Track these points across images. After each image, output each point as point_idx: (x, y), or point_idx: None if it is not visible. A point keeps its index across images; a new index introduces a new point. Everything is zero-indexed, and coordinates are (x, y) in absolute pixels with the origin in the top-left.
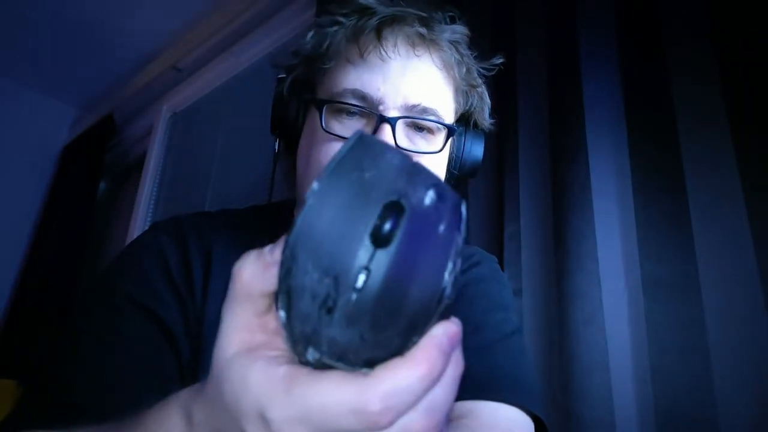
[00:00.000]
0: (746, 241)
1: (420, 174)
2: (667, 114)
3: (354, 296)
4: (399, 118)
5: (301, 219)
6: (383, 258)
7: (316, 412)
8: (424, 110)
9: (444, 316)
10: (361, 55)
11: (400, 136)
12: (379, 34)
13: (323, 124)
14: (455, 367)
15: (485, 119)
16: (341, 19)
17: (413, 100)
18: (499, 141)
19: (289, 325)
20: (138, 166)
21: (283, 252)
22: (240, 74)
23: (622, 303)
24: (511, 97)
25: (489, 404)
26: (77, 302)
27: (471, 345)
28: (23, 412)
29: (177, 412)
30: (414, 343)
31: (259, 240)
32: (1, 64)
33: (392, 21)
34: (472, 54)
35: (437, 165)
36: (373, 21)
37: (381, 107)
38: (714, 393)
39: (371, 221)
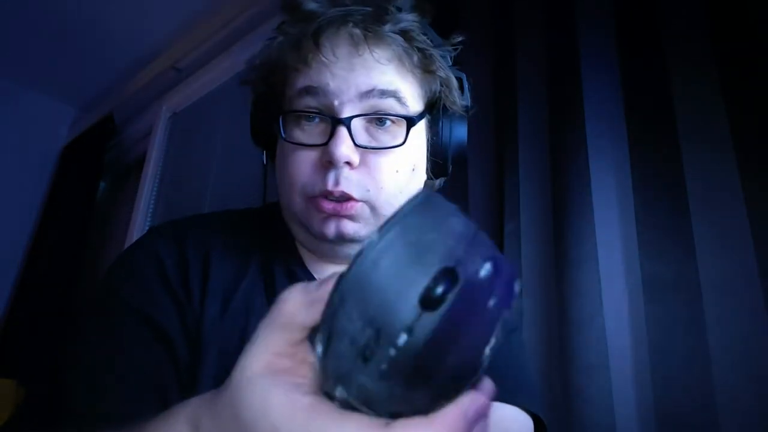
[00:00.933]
0: (746, 242)
1: (480, 245)
2: (667, 113)
3: (392, 352)
4: (353, 117)
5: (356, 267)
6: (428, 321)
7: None
8: (383, 92)
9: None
10: (305, 62)
11: (359, 135)
12: (316, 40)
13: (283, 135)
14: (480, 407)
15: (456, 103)
16: (287, 29)
17: (366, 87)
18: (499, 140)
19: (323, 360)
20: (138, 166)
21: (332, 293)
22: (240, 74)
23: (622, 303)
24: (511, 96)
25: None
26: (79, 308)
27: None
28: (22, 416)
29: (184, 422)
30: (442, 406)
31: (259, 241)
32: (1, 64)
33: (329, 25)
34: (428, 38)
35: (406, 158)
36: (311, 28)
37: (336, 102)
38: (714, 393)
39: (423, 283)
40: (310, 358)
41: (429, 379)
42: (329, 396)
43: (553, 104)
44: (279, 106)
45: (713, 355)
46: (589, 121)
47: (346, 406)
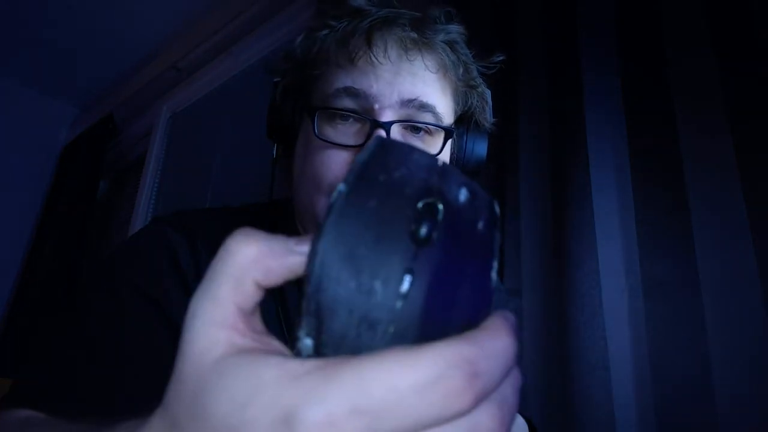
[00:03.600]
0: (746, 242)
1: (450, 172)
2: (667, 113)
3: (399, 304)
4: (393, 122)
5: (330, 223)
6: (427, 256)
7: (380, 393)
8: (422, 105)
9: None
10: (352, 60)
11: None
12: (369, 38)
13: (316, 131)
14: (518, 371)
15: (486, 119)
16: (332, 22)
17: (409, 95)
18: (499, 140)
19: (316, 355)
20: (138, 166)
21: (309, 263)
22: (240, 74)
23: (622, 303)
24: (511, 95)
25: None
26: (77, 290)
27: None
28: (16, 391)
29: None
30: None
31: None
32: (1, 64)
33: (383, 24)
34: (471, 52)
35: None
36: (364, 25)
37: (376, 106)
38: (714, 393)
39: (408, 220)
40: (275, 344)
41: (445, 325)
42: None
43: (554, 103)
44: (309, 101)
45: (713, 355)
46: (590, 122)
47: None
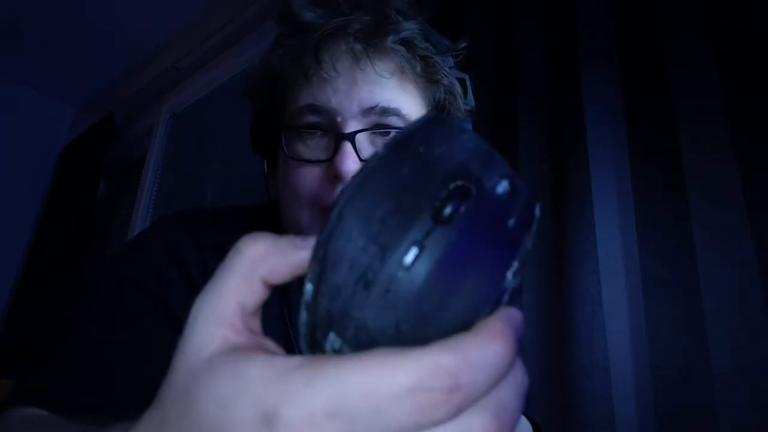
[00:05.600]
0: (746, 241)
1: (496, 161)
2: (667, 114)
3: (400, 272)
4: (357, 132)
5: (357, 180)
6: (441, 236)
7: (355, 399)
8: (384, 110)
9: None
10: (306, 77)
11: (365, 148)
12: (317, 54)
13: (286, 150)
14: (523, 373)
15: (460, 108)
16: (285, 40)
17: (369, 103)
18: (499, 140)
19: (313, 303)
20: (138, 166)
21: (330, 213)
22: (240, 74)
23: (622, 303)
24: (511, 96)
25: None
26: (79, 289)
27: None
28: (19, 389)
29: None
30: None
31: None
32: (1, 64)
33: (329, 38)
34: (430, 44)
35: None
36: (310, 42)
37: (338, 119)
38: (714, 393)
39: (435, 197)
40: (269, 344)
41: (443, 309)
42: (318, 348)
43: (554, 104)
44: (280, 120)
45: (713, 355)
46: (590, 121)
47: None
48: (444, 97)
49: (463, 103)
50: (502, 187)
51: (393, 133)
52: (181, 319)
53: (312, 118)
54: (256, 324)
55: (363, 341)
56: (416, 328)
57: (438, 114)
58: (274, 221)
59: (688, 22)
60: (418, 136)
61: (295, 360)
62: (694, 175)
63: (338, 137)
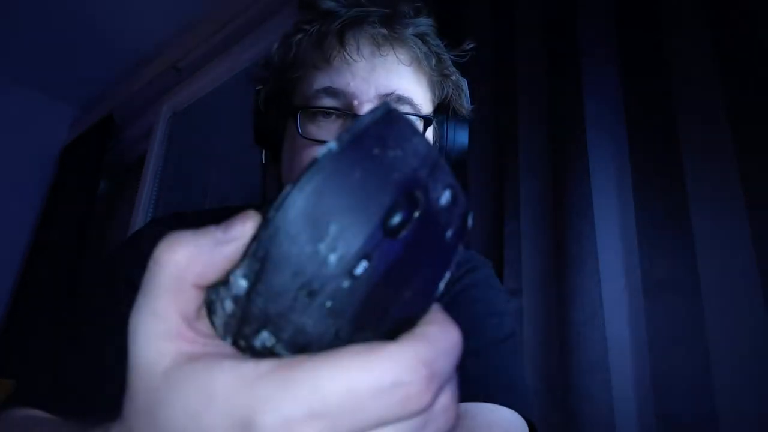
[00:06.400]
0: (746, 241)
1: (442, 170)
2: (667, 114)
3: (346, 283)
4: None
5: (309, 177)
6: (389, 249)
7: (336, 398)
8: (399, 98)
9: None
10: (327, 61)
11: None
12: (341, 38)
13: (300, 130)
14: (454, 331)
15: (464, 106)
16: (305, 26)
17: (386, 89)
18: (500, 140)
19: (246, 299)
20: (138, 166)
21: (273, 206)
22: (240, 74)
23: (622, 303)
24: (511, 95)
25: (485, 405)
26: (77, 290)
27: (466, 348)
28: (18, 390)
29: None
30: None
31: None
32: (1, 64)
33: (353, 23)
34: (442, 43)
35: None
36: (335, 25)
37: (355, 102)
38: (714, 393)
39: (385, 206)
40: (224, 345)
41: (381, 316)
42: (240, 347)
43: (554, 105)
44: (292, 104)
45: (713, 355)
46: (590, 121)
47: (271, 354)
48: (451, 92)
49: (467, 102)
50: (445, 198)
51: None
52: None
53: (328, 101)
54: (204, 325)
55: (299, 343)
56: (354, 335)
57: (393, 110)
58: None
59: (688, 22)
60: (373, 134)
61: (264, 365)
62: (694, 175)
63: (354, 118)
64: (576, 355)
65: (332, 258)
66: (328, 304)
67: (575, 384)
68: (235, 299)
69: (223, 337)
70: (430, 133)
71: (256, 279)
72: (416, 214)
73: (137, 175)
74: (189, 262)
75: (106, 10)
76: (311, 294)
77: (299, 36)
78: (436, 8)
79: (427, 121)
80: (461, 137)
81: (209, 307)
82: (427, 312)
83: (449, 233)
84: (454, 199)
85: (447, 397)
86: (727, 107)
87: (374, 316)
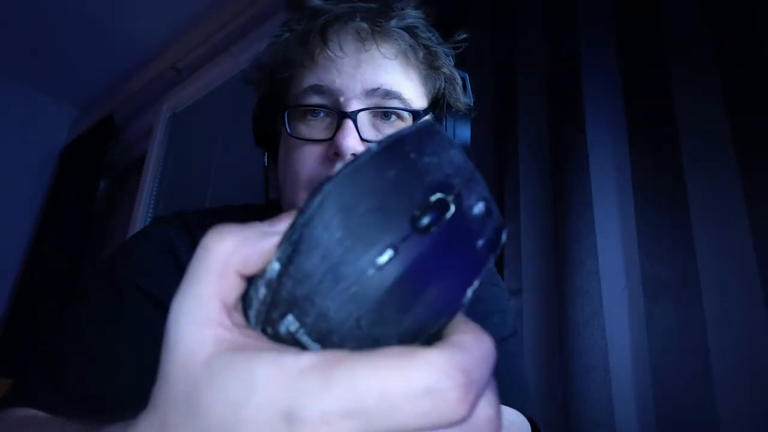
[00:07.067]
0: (746, 242)
1: (477, 182)
2: (667, 113)
3: (371, 271)
4: (359, 110)
5: (346, 172)
6: (416, 243)
7: (372, 399)
8: (387, 93)
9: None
10: (312, 59)
11: (366, 128)
12: (324, 35)
13: (288, 130)
14: (488, 341)
15: (460, 100)
16: (292, 26)
17: (372, 85)
18: (500, 140)
19: (277, 282)
20: (138, 166)
21: (310, 197)
22: (239, 74)
23: (622, 303)
24: (511, 96)
25: None
26: (78, 289)
27: None
28: (15, 390)
29: None
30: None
31: None
32: (1, 64)
33: (336, 20)
34: (436, 35)
35: None
36: (318, 23)
37: (342, 99)
38: (714, 393)
39: (416, 205)
40: (260, 338)
41: (404, 311)
42: (268, 334)
43: (554, 104)
44: (283, 104)
45: (713, 355)
46: (589, 122)
47: (293, 341)
48: (444, 86)
49: (464, 97)
50: (479, 208)
51: (393, 117)
52: None
53: (316, 99)
54: (239, 317)
55: (321, 329)
56: (374, 327)
57: (433, 124)
58: (270, 219)
59: (688, 22)
60: (410, 141)
61: (305, 359)
62: (694, 175)
63: (341, 115)
64: (576, 355)
65: (360, 245)
66: (352, 289)
67: (575, 384)
68: (269, 283)
69: (254, 327)
70: None
71: (288, 261)
72: (447, 215)
73: (137, 175)
74: (235, 249)
75: (106, 11)
76: (336, 278)
77: (287, 35)
78: (436, 8)
79: (415, 115)
80: (462, 133)
81: (245, 300)
82: (451, 319)
83: (480, 242)
84: (488, 211)
85: (490, 408)
86: (727, 107)
87: (396, 309)
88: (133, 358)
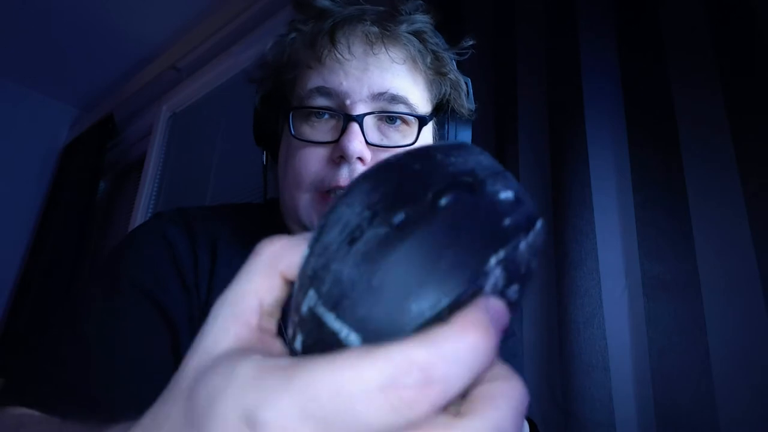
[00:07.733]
0: (746, 241)
1: (507, 177)
2: (667, 113)
3: (384, 231)
4: (365, 114)
5: (371, 169)
6: (433, 212)
7: (326, 399)
8: (393, 97)
9: None
10: (319, 60)
11: (371, 132)
12: (332, 37)
13: (292, 131)
14: (522, 389)
15: (464, 106)
16: (299, 26)
17: (379, 89)
18: (499, 140)
19: (304, 265)
20: (138, 166)
21: (344, 191)
22: (239, 74)
23: (622, 303)
24: (511, 95)
25: None
26: (77, 287)
27: None
28: (11, 389)
29: None
30: (423, 327)
31: (263, 233)
32: (1, 64)
33: (344, 22)
34: (442, 40)
35: None
36: (327, 25)
37: (348, 102)
38: (714, 393)
39: (437, 186)
40: (275, 345)
41: (417, 274)
42: (294, 323)
43: (554, 104)
44: (287, 104)
45: (713, 355)
46: (589, 121)
47: (312, 318)
48: (450, 92)
49: (467, 102)
50: (506, 194)
51: (398, 121)
52: (174, 316)
53: (321, 100)
54: (272, 325)
55: (334, 295)
56: (386, 290)
57: (464, 143)
58: (270, 218)
59: (688, 22)
60: (440, 148)
61: (281, 360)
62: (694, 175)
63: (346, 118)
64: (576, 355)
65: (375, 212)
66: (365, 248)
67: (575, 384)
68: (301, 272)
69: (290, 339)
70: (427, 133)
71: (314, 242)
72: (468, 195)
73: (137, 175)
74: (282, 251)
75: (106, 11)
76: (352, 241)
77: (293, 35)
78: (437, 3)
79: (421, 120)
80: (463, 138)
81: (284, 316)
82: (468, 299)
83: (507, 221)
84: (517, 199)
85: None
86: (727, 107)
87: (409, 272)
88: (131, 355)
